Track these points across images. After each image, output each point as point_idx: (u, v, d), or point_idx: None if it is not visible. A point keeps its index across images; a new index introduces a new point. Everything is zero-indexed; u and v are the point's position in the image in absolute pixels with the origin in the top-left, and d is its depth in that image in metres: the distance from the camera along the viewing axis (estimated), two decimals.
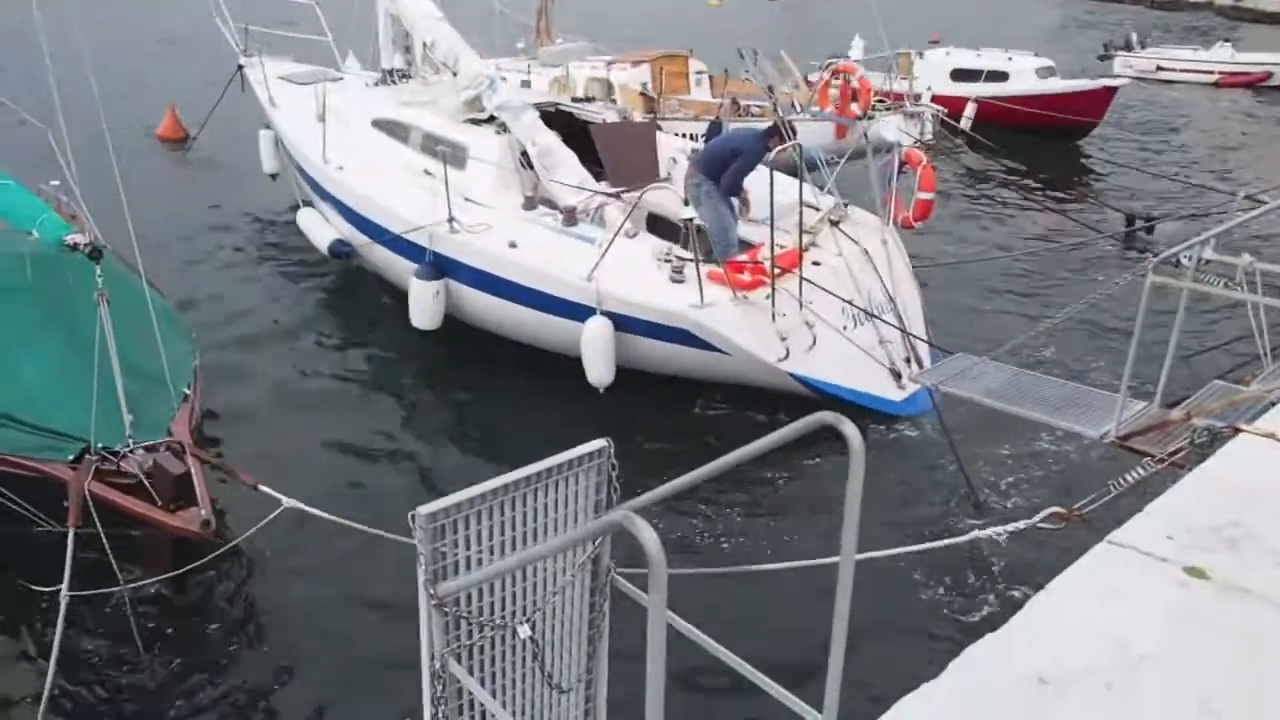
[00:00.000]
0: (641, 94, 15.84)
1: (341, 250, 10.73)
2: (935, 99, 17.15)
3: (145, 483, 5.35)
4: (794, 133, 9.90)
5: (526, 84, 16.96)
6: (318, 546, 6.18)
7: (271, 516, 5.50)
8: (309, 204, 11.92)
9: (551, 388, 8.73)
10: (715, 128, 13.62)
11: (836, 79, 15.35)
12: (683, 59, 17.10)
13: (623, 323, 8.26)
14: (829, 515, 6.49)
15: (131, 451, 5.51)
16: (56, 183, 7.74)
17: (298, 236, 11.84)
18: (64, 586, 4.94)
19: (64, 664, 5.01)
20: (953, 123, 16.84)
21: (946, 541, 5.61)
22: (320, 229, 11.15)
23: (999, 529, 5.28)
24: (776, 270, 8.04)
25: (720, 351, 8.14)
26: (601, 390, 8.34)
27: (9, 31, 6.16)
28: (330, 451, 7.76)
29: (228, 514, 6.24)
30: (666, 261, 8.46)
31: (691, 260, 8.12)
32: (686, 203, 9.05)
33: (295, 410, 8.53)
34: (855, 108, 14.70)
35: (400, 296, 9.72)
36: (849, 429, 2.41)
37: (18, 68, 5.76)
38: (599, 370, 8.28)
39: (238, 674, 5.48)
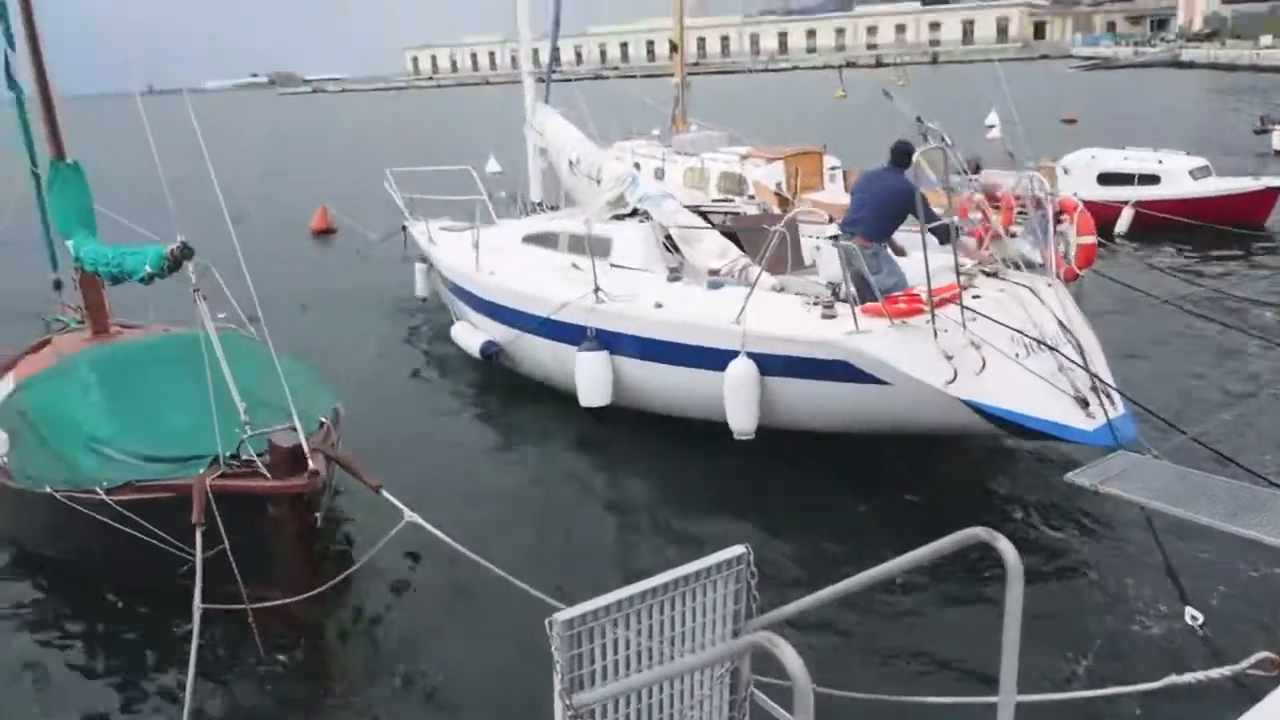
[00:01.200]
0: (776, 193, 15.91)
1: (491, 350, 11.07)
2: (1087, 205, 16.43)
3: (261, 466, 5.55)
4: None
5: (660, 172, 17.51)
6: (437, 571, 6.35)
7: (396, 530, 5.68)
8: (460, 320, 12.45)
9: (696, 465, 8.70)
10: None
11: (981, 197, 14.81)
12: (817, 155, 17.10)
13: (769, 364, 7.99)
14: (995, 634, 6.03)
15: (259, 457, 5.67)
16: (224, 315, 8.42)
17: (447, 345, 12.44)
18: (196, 599, 5.18)
19: (199, 676, 5.23)
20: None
21: (1128, 689, 4.80)
22: (471, 336, 11.59)
23: (1194, 676, 4.49)
24: (935, 299, 7.50)
25: (881, 382, 7.60)
26: (740, 438, 8.14)
27: (211, 130, 6.84)
28: (467, 492, 8.07)
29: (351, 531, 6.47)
30: (816, 304, 8.25)
31: (842, 300, 7.94)
32: (835, 292, 8.67)
33: (435, 465, 8.87)
34: (997, 222, 14.09)
35: (543, 387, 9.92)
36: (1004, 545, 2.28)
37: (177, 168, 6.39)
38: (741, 416, 8.06)
39: (356, 693, 5.68)
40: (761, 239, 10.68)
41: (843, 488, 8.15)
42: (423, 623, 6.21)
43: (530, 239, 11.81)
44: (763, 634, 2.17)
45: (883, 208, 8.73)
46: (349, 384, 11.26)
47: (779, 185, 16.19)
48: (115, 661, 6.11)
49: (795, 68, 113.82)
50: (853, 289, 8.01)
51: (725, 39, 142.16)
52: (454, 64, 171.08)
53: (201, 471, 5.64)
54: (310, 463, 5.56)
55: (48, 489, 6.05)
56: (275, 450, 5.53)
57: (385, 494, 5.79)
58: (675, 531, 7.69)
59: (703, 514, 7.99)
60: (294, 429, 5.68)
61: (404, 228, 15.65)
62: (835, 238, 8.20)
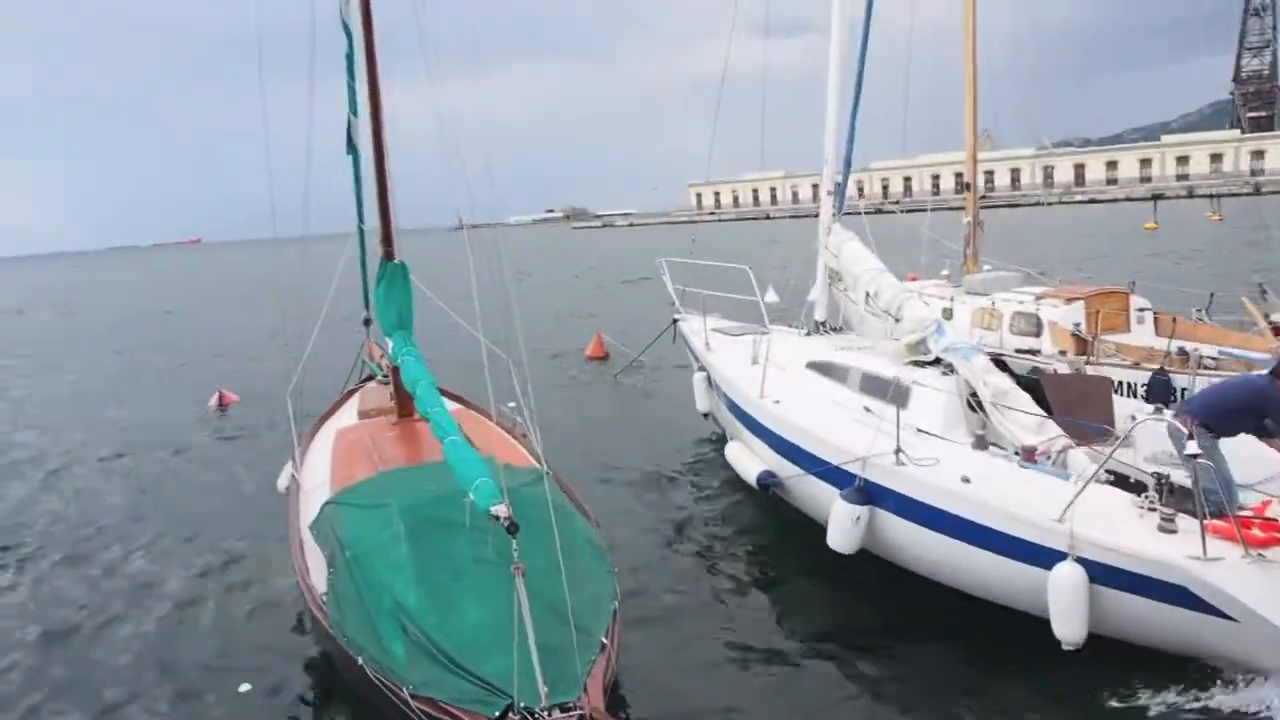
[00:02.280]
0: (1073, 334, 14.73)
1: (769, 482, 10.83)
2: None
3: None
4: None
5: (948, 312, 16.82)
6: None
7: None
8: (736, 439, 12.39)
9: (989, 642, 7.92)
10: (1161, 379, 12.14)
11: None
12: (1122, 295, 15.66)
13: (1098, 573, 7.16)
14: None
15: (548, 714, 5.63)
16: (514, 404, 8.95)
17: (720, 469, 12.35)
18: None
19: None
20: None
21: None
22: (748, 461, 11.42)
23: None
24: None
25: (1225, 617, 6.69)
26: (1068, 648, 7.27)
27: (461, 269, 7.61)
28: (740, 701, 7.44)
29: None
30: (1151, 510, 7.35)
31: (1184, 511, 7.05)
32: (1160, 484, 7.75)
33: (712, 652, 8.33)
34: None
35: (822, 531, 9.54)
36: None
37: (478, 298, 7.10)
38: (1070, 625, 7.20)
39: None
40: (1071, 398, 9.86)
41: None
42: None
43: (816, 367, 11.59)
44: None
45: (1229, 396, 8.01)
46: (618, 508, 11.68)
47: (1077, 326, 14.95)
48: None
49: (1092, 200, 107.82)
50: (1202, 498, 6.90)
51: (1015, 171, 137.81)
52: (735, 199, 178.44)
53: (494, 717, 5.72)
54: None
55: (360, 661, 6.38)
56: None
57: None
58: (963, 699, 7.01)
59: (1003, 710, 7.13)
60: (584, 717, 5.67)
61: (675, 321, 16.04)
62: (1194, 456, 7.15)
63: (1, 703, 8.02)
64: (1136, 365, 13.22)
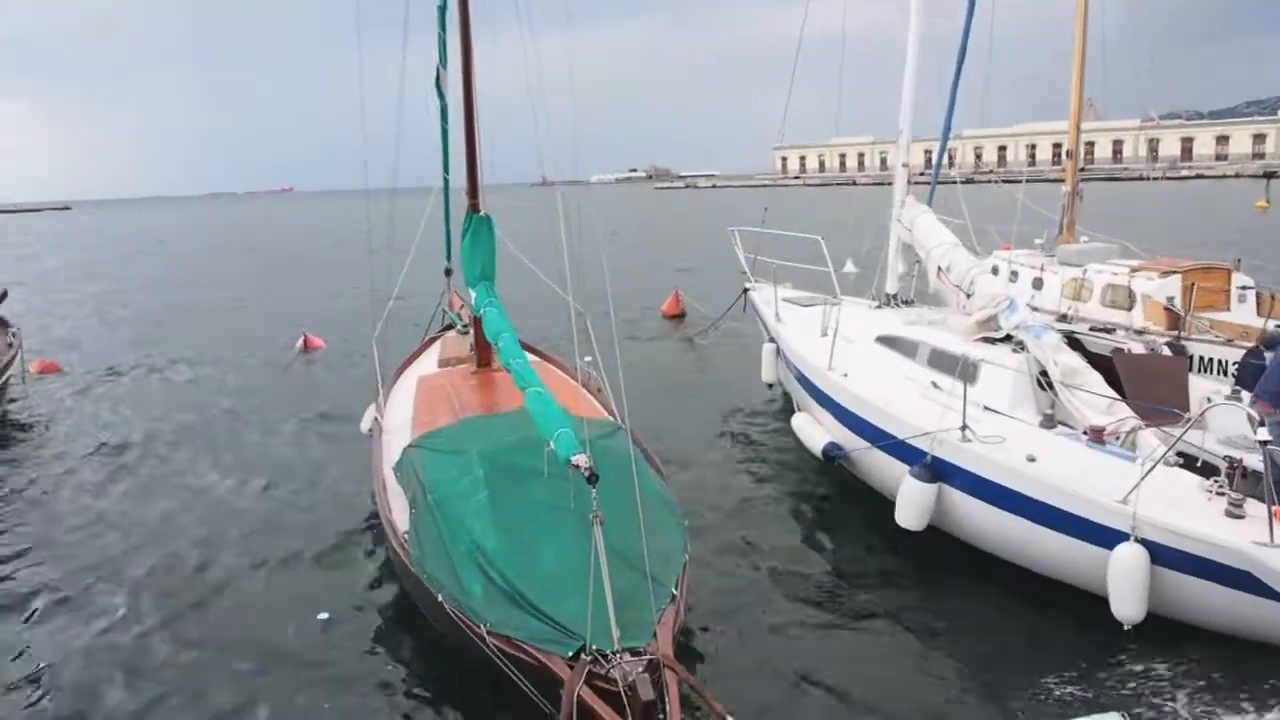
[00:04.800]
0: (1166, 309, 14.22)
1: (834, 453, 10.85)
2: None
3: (623, 696, 5.53)
4: None
5: (1039, 282, 16.38)
6: None
7: None
8: (803, 410, 12.39)
9: (1051, 619, 7.83)
10: (1255, 360, 11.65)
11: None
12: (1224, 272, 14.99)
13: (1161, 555, 7.16)
14: None
15: (619, 656, 5.73)
16: (590, 358, 9.09)
17: (787, 438, 12.38)
18: None
19: None
20: None
21: None
22: (815, 433, 11.43)
23: None
24: None
25: None
26: (1127, 628, 7.29)
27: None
28: (802, 662, 7.46)
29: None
30: (1220, 495, 7.28)
31: (1254, 497, 6.95)
32: (1232, 469, 7.61)
33: (772, 607, 8.44)
34: None
35: (888, 504, 9.52)
36: None
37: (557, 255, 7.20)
38: (1129, 604, 7.23)
39: None
40: (1145, 379, 9.60)
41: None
42: None
43: (885, 341, 11.52)
44: None
45: None
46: (687, 466, 11.74)
47: (1171, 300, 14.41)
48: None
49: (1199, 175, 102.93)
50: (1271, 484, 6.83)
51: (1118, 144, 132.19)
52: (821, 164, 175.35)
53: (570, 659, 5.85)
54: None
55: (440, 598, 6.63)
56: (634, 696, 5.52)
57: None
58: (1024, 694, 6.88)
59: (1062, 683, 7.01)
60: (659, 662, 5.72)
61: (745, 290, 16.02)
62: (1266, 443, 6.97)
63: (96, 609, 8.54)
64: (1230, 343, 12.82)
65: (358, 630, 8.12)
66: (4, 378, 14.51)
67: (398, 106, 11.02)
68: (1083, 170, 20.03)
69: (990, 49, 16.03)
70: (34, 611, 8.63)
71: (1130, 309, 14.41)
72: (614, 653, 5.74)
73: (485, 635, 6.17)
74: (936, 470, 8.89)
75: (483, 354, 11.12)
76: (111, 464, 13.09)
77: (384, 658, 7.67)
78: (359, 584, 8.97)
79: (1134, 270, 15.00)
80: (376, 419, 10.32)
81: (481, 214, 10.50)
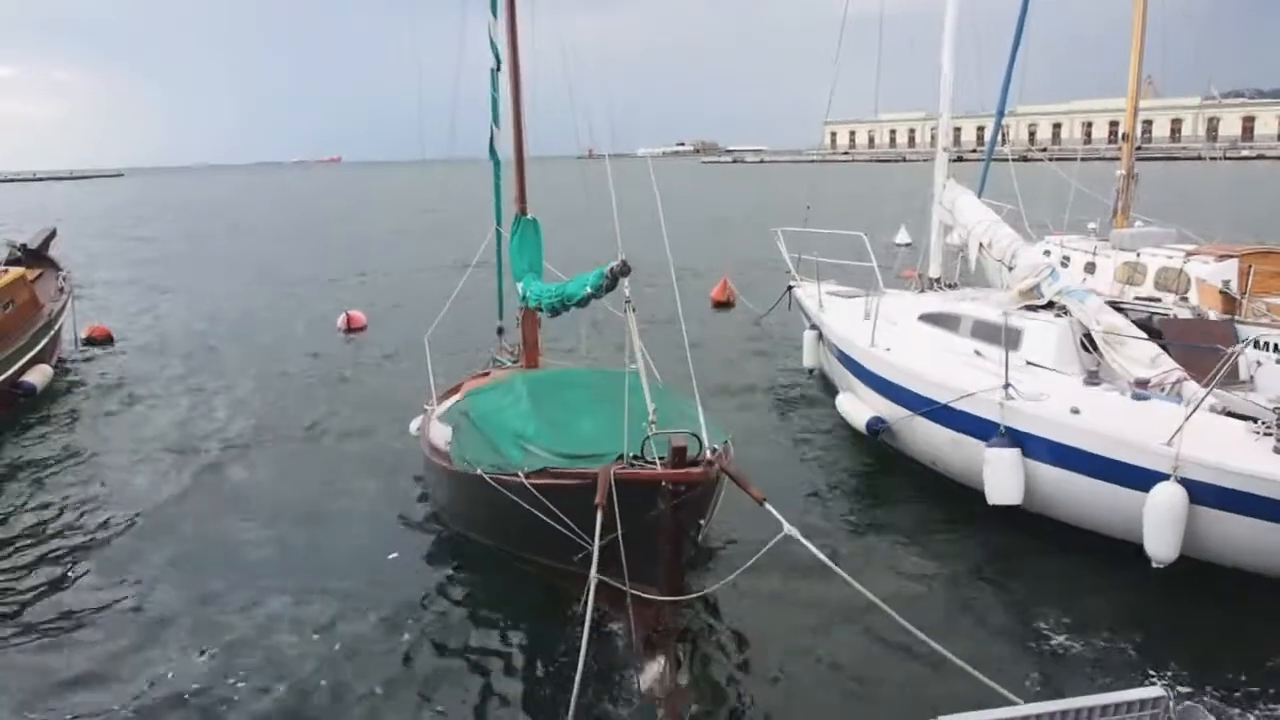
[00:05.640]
0: (1222, 292, 13.97)
1: (877, 427, 10.99)
2: None
3: (658, 464, 5.83)
4: None
5: (1091, 267, 16.20)
6: (809, 588, 6.42)
7: (773, 542, 5.84)
8: (847, 391, 12.47)
9: (1102, 582, 7.99)
10: None
11: None
12: None
13: (1203, 494, 7.25)
14: None
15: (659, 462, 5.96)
16: (634, 365, 9.27)
17: (831, 418, 12.52)
18: (591, 575, 5.59)
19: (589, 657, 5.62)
20: None
21: None
22: (858, 410, 11.58)
23: None
24: None
25: None
26: (1157, 566, 7.47)
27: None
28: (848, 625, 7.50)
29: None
30: (1267, 435, 7.38)
31: None
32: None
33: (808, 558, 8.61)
34: None
35: (930, 473, 9.64)
36: None
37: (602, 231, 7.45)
38: (1163, 542, 7.38)
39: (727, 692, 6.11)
40: (1191, 342, 9.59)
41: None
42: (785, 639, 6.45)
43: (928, 318, 11.63)
44: None
45: None
46: (738, 441, 11.80)
47: (1227, 284, 14.15)
48: (518, 623, 7.31)
49: (1260, 156, 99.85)
50: None
51: (1176, 122, 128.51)
52: (871, 139, 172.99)
53: (608, 464, 6.14)
54: (702, 461, 5.81)
55: (479, 471, 7.11)
56: (675, 451, 5.84)
57: (768, 507, 5.89)
58: (1069, 651, 7.00)
59: (1105, 639, 7.16)
60: (695, 436, 5.99)
61: (790, 288, 16.10)
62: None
63: (182, 558, 8.93)
64: None
65: (421, 569, 8.63)
66: (57, 325, 14.51)
67: (454, 78, 11.24)
68: (1139, 149, 19.61)
69: (1037, 23, 15.78)
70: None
71: (1185, 293, 14.19)
72: (652, 460, 5.93)
73: (523, 479, 6.60)
74: (1015, 437, 8.79)
75: (530, 353, 11.33)
76: (164, 425, 13.57)
77: (430, 598, 8.12)
78: (413, 534, 9.38)
79: (1189, 254, 14.74)
80: (426, 411, 10.54)
81: (529, 217, 11.00)
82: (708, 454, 5.93)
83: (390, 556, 8.89)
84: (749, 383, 15.60)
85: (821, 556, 5.77)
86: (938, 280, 13.73)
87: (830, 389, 13.82)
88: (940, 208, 13.54)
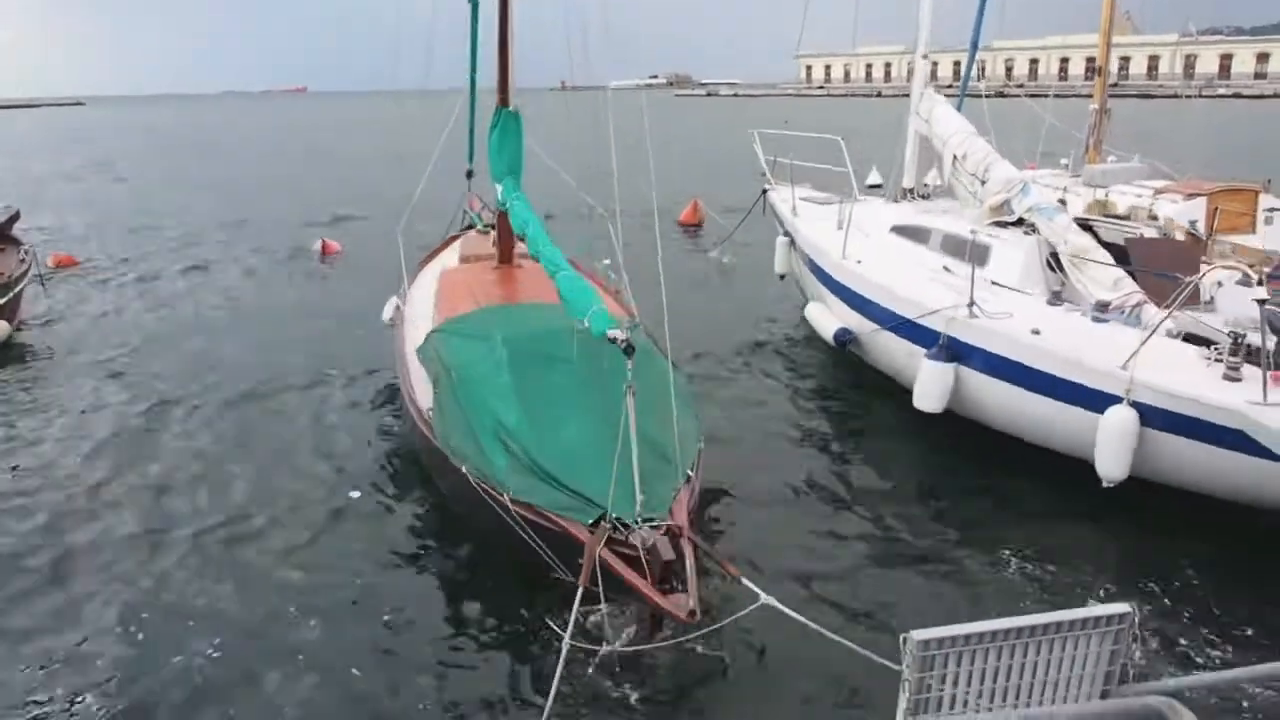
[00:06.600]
0: (1189, 232, 14.09)
1: (845, 339, 11.26)
2: None
3: (643, 559, 5.83)
4: None
5: (1061, 204, 16.30)
6: (790, 644, 6.11)
7: (749, 610, 5.69)
8: (816, 300, 12.67)
9: (1061, 496, 8.28)
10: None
11: None
12: (1251, 194, 14.75)
13: (1153, 417, 7.48)
14: None
15: (639, 526, 6.07)
16: (608, 261, 9.32)
17: (799, 329, 12.69)
18: (566, 636, 5.60)
19: (558, 703, 5.55)
20: None
21: None
22: (826, 320, 11.83)
23: None
24: None
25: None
26: (1107, 484, 7.75)
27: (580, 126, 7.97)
28: (816, 547, 7.88)
29: (712, 591, 6.58)
30: (1218, 361, 7.56)
31: (1250, 363, 7.22)
32: (1237, 343, 7.78)
33: (785, 491, 8.87)
34: None
35: (897, 387, 9.87)
36: None
37: (579, 159, 7.41)
38: (1112, 463, 7.64)
39: None
40: (1158, 262, 9.76)
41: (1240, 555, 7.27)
42: (773, 688, 6.04)
43: (900, 230, 11.74)
44: (1160, 699, 2.03)
45: None
46: (698, 358, 12.08)
47: (1193, 224, 14.27)
48: (491, 634, 6.61)
49: (1237, 95, 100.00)
50: (1269, 347, 7.14)
51: (1154, 59, 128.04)
52: (847, 74, 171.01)
53: (590, 526, 6.12)
54: (690, 600, 5.57)
55: (463, 469, 6.92)
56: (655, 556, 5.79)
57: (746, 582, 5.89)
58: (1032, 573, 7.27)
59: (1064, 558, 7.45)
60: (679, 529, 6.01)
61: (764, 192, 16.11)
62: (1263, 302, 7.27)
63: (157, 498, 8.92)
64: (1251, 267, 12.69)
65: (385, 507, 8.57)
66: (16, 289, 14.91)
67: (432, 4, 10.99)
68: (1114, 87, 19.61)
69: None
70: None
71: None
72: (634, 522, 6.07)
73: (508, 503, 6.46)
74: (952, 351, 9.17)
75: (505, 249, 11.31)
76: (126, 360, 13.46)
77: (406, 535, 8.09)
78: (385, 463, 9.44)
79: (1158, 192, 14.87)
80: (399, 307, 10.63)
81: (510, 109, 10.52)
82: (684, 543, 5.91)
83: (352, 495, 8.76)
84: (719, 297, 16.05)
85: (799, 618, 5.56)
86: (911, 190, 13.77)
87: (799, 296, 14.05)
88: (917, 117, 13.49)
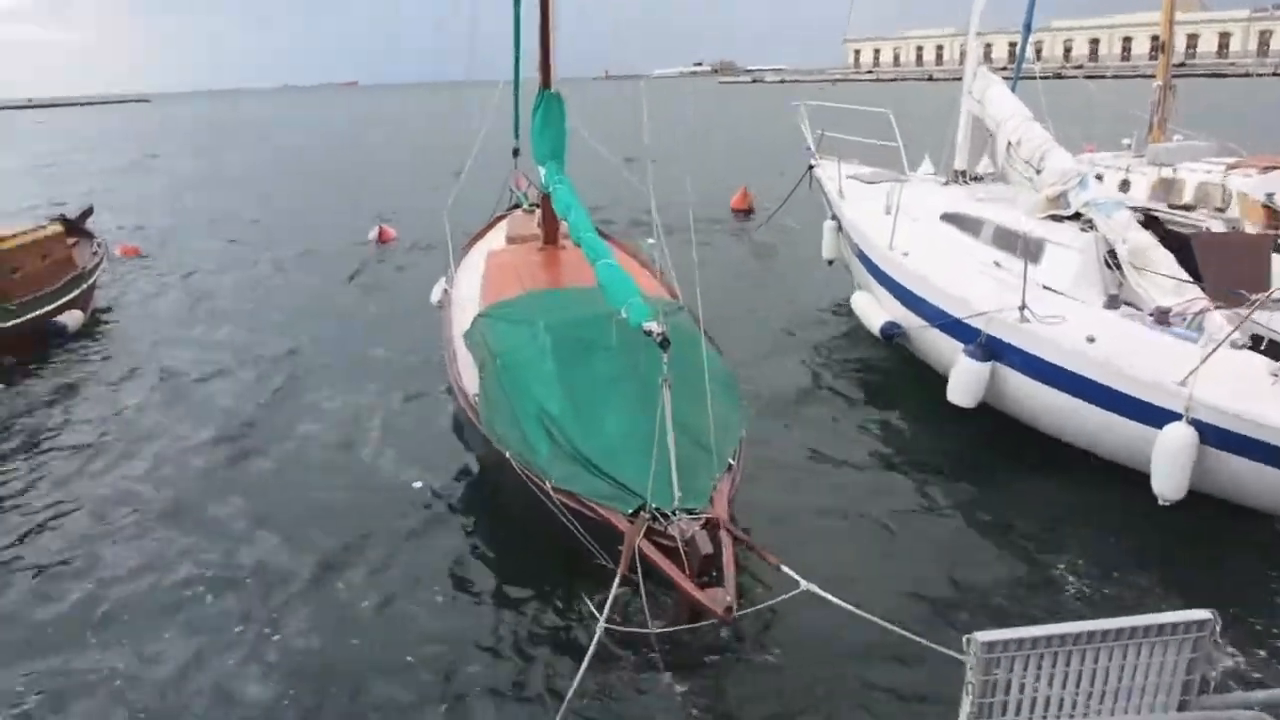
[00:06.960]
0: (1265, 206, 13.49)
1: (892, 332, 10.96)
2: None
3: (681, 551, 5.78)
4: None
5: (1125, 185, 15.76)
6: (830, 630, 6.02)
7: (788, 595, 5.62)
8: (864, 289, 12.37)
9: (1126, 494, 7.93)
10: None
11: None
12: None
13: (1213, 435, 7.16)
14: None
15: (677, 516, 6.03)
16: (653, 240, 9.22)
17: (847, 319, 12.45)
18: (602, 619, 5.56)
19: (587, 689, 5.54)
20: None
21: None
22: (874, 311, 11.53)
23: None
24: None
25: None
26: (1164, 503, 7.44)
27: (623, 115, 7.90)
28: (855, 531, 7.78)
29: (752, 577, 6.56)
30: None
31: None
32: None
33: (826, 479, 8.77)
34: None
35: (944, 383, 9.63)
36: None
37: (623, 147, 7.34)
38: (1171, 482, 7.32)
39: None
40: (1223, 260, 9.27)
41: None
42: (813, 673, 5.98)
43: (950, 219, 11.36)
44: (1250, 714, 1.86)
45: None
46: (746, 346, 11.88)
47: (1270, 197, 13.65)
48: (529, 613, 6.74)
49: None
50: None
51: (1224, 36, 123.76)
52: (896, 57, 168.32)
53: (630, 516, 6.09)
54: (728, 595, 5.51)
55: (507, 455, 6.92)
56: (693, 549, 5.74)
57: (785, 569, 5.81)
58: (1096, 575, 7.00)
59: (1132, 560, 7.16)
60: (717, 522, 5.94)
61: (810, 167, 15.70)
62: None
63: (191, 482, 9.10)
64: None
65: (445, 494, 8.66)
66: (90, 280, 15.45)
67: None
68: (1181, 65, 18.89)
69: None
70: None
71: (1225, 209, 13.79)
72: (673, 512, 6.02)
73: (550, 490, 6.46)
74: (991, 349, 8.95)
75: (549, 231, 11.29)
76: (195, 343, 13.86)
77: (456, 518, 8.20)
78: (440, 448, 9.53)
79: (1230, 167, 14.25)
80: (446, 290, 10.67)
81: (553, 91, 10.44)
82: (723, 535, 5.86)
83: (415, 485, 8.87)
84: (766, 281, 15.82)
85: (837, 601, 5.44)
86: (963, 173, 13.30)
87: (847, 282, 13.75)
88: (969, 97, 13.01)
